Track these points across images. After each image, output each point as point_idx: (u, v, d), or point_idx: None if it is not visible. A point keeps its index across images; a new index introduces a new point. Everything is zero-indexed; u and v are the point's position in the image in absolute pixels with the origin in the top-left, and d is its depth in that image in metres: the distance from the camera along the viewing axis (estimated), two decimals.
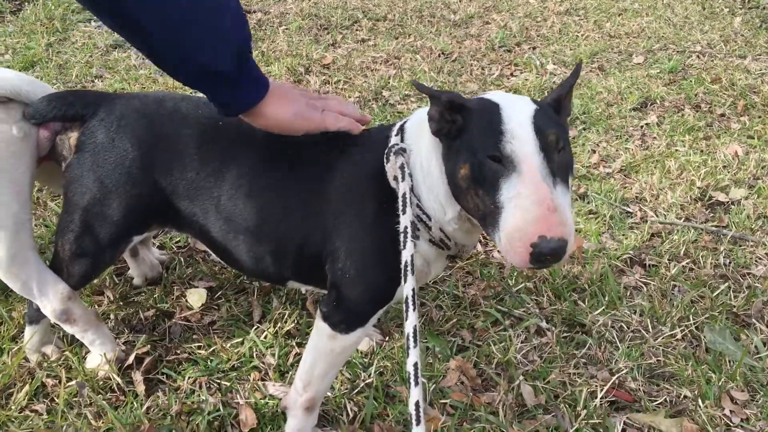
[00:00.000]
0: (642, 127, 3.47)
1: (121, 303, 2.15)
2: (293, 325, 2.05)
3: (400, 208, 1.37)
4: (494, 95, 1.37)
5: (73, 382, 1.81)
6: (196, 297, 2.19)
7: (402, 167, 1.40)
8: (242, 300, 2.20)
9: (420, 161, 1.44)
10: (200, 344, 2.00)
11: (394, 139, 1.49)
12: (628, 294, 2.23)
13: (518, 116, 1.27)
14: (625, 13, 5.33)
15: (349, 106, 1.59)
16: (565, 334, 2.05)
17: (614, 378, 1.86)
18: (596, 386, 1.84)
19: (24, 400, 1.78)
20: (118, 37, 4.44)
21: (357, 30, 4.86)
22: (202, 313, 2.14)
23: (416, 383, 1.22)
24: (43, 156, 1.74)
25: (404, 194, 1.37)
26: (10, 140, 1.62)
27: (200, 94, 1.48)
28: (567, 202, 1.23)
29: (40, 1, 4.87)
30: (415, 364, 1.23)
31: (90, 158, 1.62)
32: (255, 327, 2.06)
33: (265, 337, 2.01)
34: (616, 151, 3.19)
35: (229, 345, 1.99)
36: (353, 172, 1.53)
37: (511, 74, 4.16)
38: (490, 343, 1.99)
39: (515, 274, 2.31)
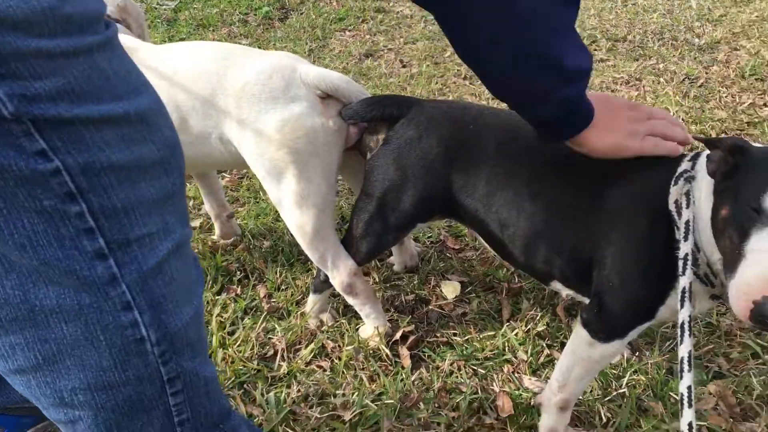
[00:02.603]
0: None
1: (386, 285, 2.39)
2: (544, 327, 2.15)
3: (682, 234, 1.40)
4: None
5: (350, 347, 2.06)
6: (450, 289, 2.37)
7: (688, 194, 1.43)
8: (491, 298, 2.34)
9: (700, 193, 1.45)
10: (455, 332, 2.16)
11: (685, 164, 1.50)
12: None
13: None
14: None
15: (676, 129, 1.59)
16: None
17: None
18: None
19: (309, 356, 2.05)
20: (370, 47, 4.84)
21: (595, 50, 4.86)
22: (455, 304, 2.31)
23: (689, 405, 1.26)
24: (349, 146, 2.01)
25: (687, 221, 1.40)
26: (327, 131, 1.90)
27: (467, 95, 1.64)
28: None
29: (303, 11, 5.43)
30: (689, 387, 1.27)
31: (396, 150, 1.84)
32: (506, 324, 2.19)
33: (517, 335, 2.13)
34: None
35: (481, 336, 2.14)
36: (636, 186, 1.58)
37: (765, 104, 3.94)
38: (750, 375, 1.95)
39: None
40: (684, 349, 1.31)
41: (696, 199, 1.45)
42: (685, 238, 1.40)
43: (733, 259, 1.26)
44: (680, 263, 1.39)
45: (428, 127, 1.83)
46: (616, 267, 1.57)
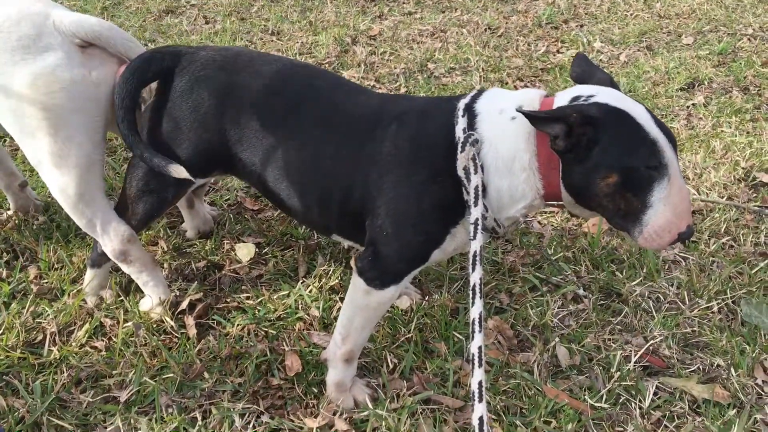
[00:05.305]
0: (688, 107, 3.45)
1: (175, 253, 2.26)
2: (337, 281, 2.13)
3: (472, 200, 1.43)
4: (602, 96, 1.41)
5: (130, 323, 1.92)
6: (245, 251, 2.28)
7: (474, 159, 1.44)
8: (288, 256, 2.28)
9: (496, 155, 1.47)
10: (248, 295, 2.09)
11: (461, 122, 1.50)
12: (666, 267, 2.26)
13: (650, 124, 1.37)
14: None
15: None
16: (601, 302, 2.09)
17: (648, 344, 1.90)
18: (630, 351, 1.88)
19: (84, 337, 1.89)
20: (170, 3, 4.54)
21: (404, 3, 4.89)
22: (250, 266, 2.23)
23: (480, 365, 1.33)
24: None
25: (476, 187, 1.43)
26: (88, 84, 1.73)
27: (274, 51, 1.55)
28: None
29: None
30: (480, 347, 1.34)
31: (168, 102, 1.72)
32: (300, 281, 2.15)
33: (310, 291, 2.10)
34: None
35: (275, 297, 2.08)
36: (407, 136, 1.57)
37: (557, 51, 4.15)
38: (527, 307, 2.05)
39: (554, 243, 2.35)
40: (475, 311, 1.37)
41: (490, 159, 1.47)
42: (475, 204, 1.43)
43: (633, 211, 1.39)
44: (471, 228, 1.42)
45: (199, 78, 1.71)
46: (390, 216, 1.55)
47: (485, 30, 4.42)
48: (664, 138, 1.37)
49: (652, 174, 1.36)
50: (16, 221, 2.35)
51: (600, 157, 1.37)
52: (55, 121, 1.70)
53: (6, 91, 1.68)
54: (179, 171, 1.67)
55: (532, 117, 1.37)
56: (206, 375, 1.79)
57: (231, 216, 2.47)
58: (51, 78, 1.67)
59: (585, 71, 1.61)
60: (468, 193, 1.46)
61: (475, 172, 1.44)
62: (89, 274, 2.01)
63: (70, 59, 1.70)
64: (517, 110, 1.39)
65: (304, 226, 2.37)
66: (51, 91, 1.67)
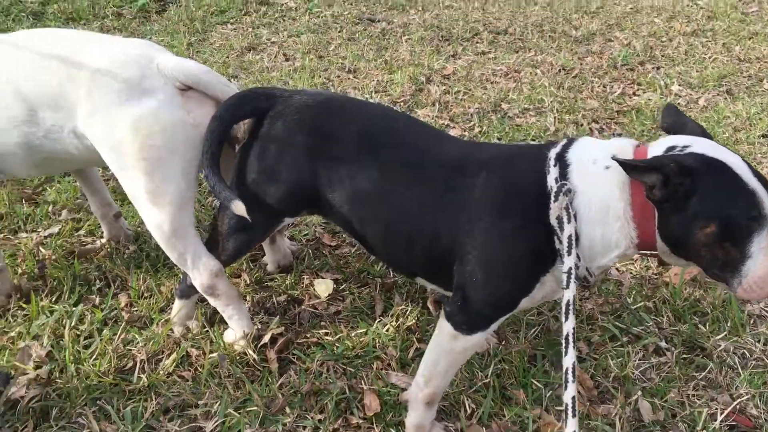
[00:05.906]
0: None
1: (257, 287, 2.32)
2: (414, 321, 2.15)
3: (565, 249, 1.45)
4: (698, 146, 1.42)
5: (215, 354, 1.98)
6: (324, 287, 2.33)
7: (567, 208, 1.46)
8: (365, 294, 2.32)
9: (590, 204, 1.48)
10: (327, 331, 2.13)
11: (553, 171, 1.52)
12: (752, 322, 2.19)
13: (749, 174, 1.38)
14: (756, 37, 5.13)
15: None
16: (684, 356, 2.04)
17: (735, 403, 1.85)
18: (716, 409, 1.83)
19: (171, 366, 1.96)
20: (252, 40, 4.72)
21: (477, 42, 4.94)
22: (328, 302, 2.27)
23: (573, 415, 1.36)
24: None
25: (570, 236, 1.45)
26: (186, 126, 1.82)
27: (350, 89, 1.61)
28: None
29: (183, 3, 5.23)
30: (573, 398, 1.37)
31: (263, 143, 1.79)
32: (377, 320, 2.18)
33: (387, 330, 2.12)
34: None
35: (353, 334, 2.11)
36: (498, 184, 1.59)
37: (634, 93, 4.12)
38: (607, 357, 2.02)
39: (633, 292, 2.32)
40: (568, 360, 1.39)
41: (583, 209, 1.48)
42: (569, 253, 1.45)
43: (732, 261, 1.38)
44: (564, 277, 1.44)
45: (293, 121, 1.78)
46: (481, 263, 1.57)
47: (559, 71, 4.42)
48: (763, 189, 1.36)
49: (752, 224, 1.35)
50: (109, 249, 2.47)
51: (698, 207, 1.37)
52: (154, 161, 1.79)
53: (109, 130, 1.78)
54: (240, 208, 1.71)
55: (629, 166, 1.39)
56: (288, 410, 1.83)
57: (310, 251, 2.53)
58: (152, 119, 1.76)
59: (676, 122, 1.61)
60: (560, 242, 1.47)
61: (569, 221, 1.45)
62: (177, 304, 2.09)
63: (171, 102, 1.80)
64: (613, 158, 1.40)
65: (380, 264, 2.40)
66: (152, 132, 1.76)
